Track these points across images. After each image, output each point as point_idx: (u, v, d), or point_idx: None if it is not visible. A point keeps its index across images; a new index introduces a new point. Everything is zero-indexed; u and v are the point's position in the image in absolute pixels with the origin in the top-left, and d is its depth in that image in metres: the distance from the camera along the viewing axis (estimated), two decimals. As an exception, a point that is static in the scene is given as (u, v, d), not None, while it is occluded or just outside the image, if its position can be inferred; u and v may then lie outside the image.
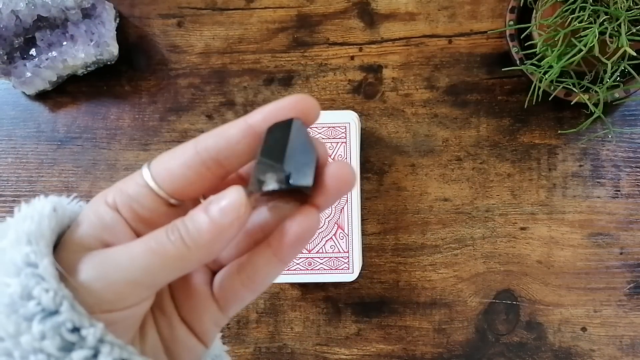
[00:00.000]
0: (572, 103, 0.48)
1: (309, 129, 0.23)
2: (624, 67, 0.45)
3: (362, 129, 0.54)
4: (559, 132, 0.53)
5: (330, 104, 0.54)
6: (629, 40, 0.43)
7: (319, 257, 0.49)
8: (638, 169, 0.52)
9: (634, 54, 0.44)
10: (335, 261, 0.49)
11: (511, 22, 0.49)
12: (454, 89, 0.54)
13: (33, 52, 0.53)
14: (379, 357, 0.53)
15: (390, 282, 0.53)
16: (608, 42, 0.43)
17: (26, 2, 0.51)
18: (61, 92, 0.56)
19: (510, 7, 0.50)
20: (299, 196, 0.23)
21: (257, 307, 0.53)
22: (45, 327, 0.19)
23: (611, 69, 0.44)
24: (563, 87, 0.48)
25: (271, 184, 0.21)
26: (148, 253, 0.21)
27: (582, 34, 0.44)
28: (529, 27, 0.48)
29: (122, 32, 0.55)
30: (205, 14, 0.56)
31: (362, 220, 0.53)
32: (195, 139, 0.23)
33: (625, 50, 0.43)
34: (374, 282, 0.53)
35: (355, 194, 0.50)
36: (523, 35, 0.49)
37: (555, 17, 0.45)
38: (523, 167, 0.53)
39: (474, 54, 0.54)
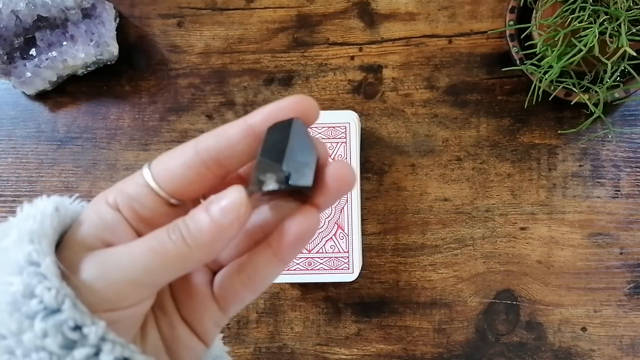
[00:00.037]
0: (572, 103, 0.48)
1: (309, 128, 0.23)
2: (624, 67, 0.45)
3: (362, 129, 0.54)
4: (559, 132, 0.53)
5: (330, 104, 0.54)
6: (629, 40, 0.43)
7: (319, 257, 0.49)
8: (638, 169, 0.52)
9: (634, 54, 0.44)
10: (335, 261, 0.49)
11: (511, 22, 0.49)
12: (454, 89, 0.54)
13: (33, 52, 0.53)
14: (379, 357, 0.53)
15: (390, 282, 0.53)
16: (608, 42, 0.43)
17: (26, 2, 0.51)
18: (61, 92, 0.56)
19: (510, 7, 0.50)
20: (300, 196, 0.24)
21: (257, 307, 0.53)
22: (47, 325, 0.19)
23: (611, 69, 0.44)
24: (563, 87, 0.48)
25: (271, 184, 0.21)
26: (149, 253, 0.21)
27: (582, 34, 0.44)
28: (529, 27, 0.48)
29: (122, 32, 0.55)
30: (205, 14, 0.56)
31: (362, 220, 0.53)
32: (196, 139, 0.23)
33: (625, 50, 0.43)
34: (374, 282, 0.53)
35: (355, 194, 0.50)
36: (523, 35, 0.50)
37: (555, 17, 0.45)
38: (523, 167, 0.53)
39: (474, 54, 0.54)
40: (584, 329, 0.51)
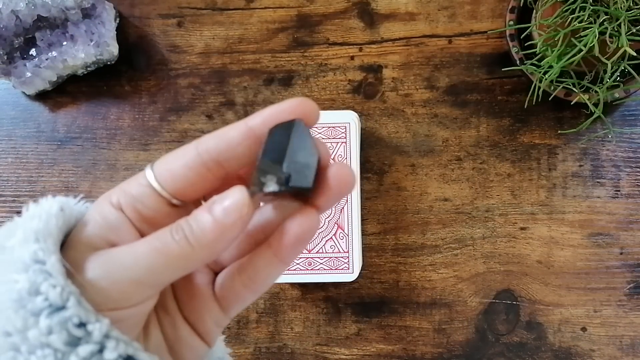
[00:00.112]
0: (572, 103, 0.48)
1: (310, 130, 0.23)
2: (624, 67, 0.45)
3: (362, 129, 0.54)
4: (559, 132, 0.53)
5: (330, 104, 0.54)
6: (629, 40, 0.43)
7: (319, 257, 0.49)
8: (638, 169, 0.52)
9: (634, 54, 0.44)
10: (335, 261, 0.49)
11: (511, 22, 0.49)
12: (454, 89, 0.54)
13: (33, 52, 0.53)
14: (379, 357, 0.53)
15: (390, 282, 0.53)
16: (608, 42, 0.43)
17: (26, 2, 0.51)
18: (61, 92, 0.56)
19: (510, 7, 0.50)
20: (301, 197, 0.24)
21: (257, 307, 0.53)
22: (52, 322, 0.20)
23: (611, 69, 0.44)
24: (563, 87, 0.48)
25: (271, 185, 0.21)
26: (152, 252, 0.21)
27: (582, 34, 0.44)
28: (529, 27, 0.48)
29: (122, 32, 0.55)
30: (205, 14, 0.56)
31: (362, 220, 0.53)
32: (197, 140, 0.23)
33: (625, 50, 0.43)
34: (374, 282, 0.53)
35: (355, 194, 0.50)
36: (523, 35, 0.50)
37: (555, 17, 0.45)
38: (523, 167, 0.53)
39: (474, 54, 0.54)
40: (584, 329, 0.52)
